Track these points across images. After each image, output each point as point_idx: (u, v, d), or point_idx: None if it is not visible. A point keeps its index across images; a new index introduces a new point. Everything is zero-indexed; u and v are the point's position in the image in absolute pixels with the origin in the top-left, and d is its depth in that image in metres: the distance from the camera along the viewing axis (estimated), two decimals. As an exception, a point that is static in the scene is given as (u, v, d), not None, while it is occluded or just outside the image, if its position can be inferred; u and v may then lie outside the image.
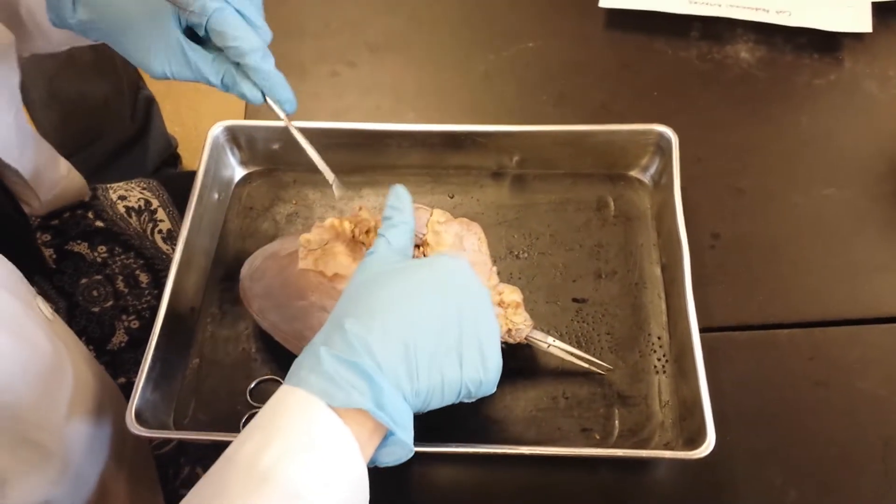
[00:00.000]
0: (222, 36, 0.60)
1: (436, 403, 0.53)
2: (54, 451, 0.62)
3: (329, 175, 0.68)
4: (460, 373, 0.52)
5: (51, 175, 0.85)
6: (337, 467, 0.47)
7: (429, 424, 0.69)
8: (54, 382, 0.62)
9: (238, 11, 0.60)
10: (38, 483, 0.60)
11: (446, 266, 0.55)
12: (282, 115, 0.66)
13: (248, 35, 0.61)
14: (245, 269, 0.73)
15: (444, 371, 0.52)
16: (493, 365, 0.54)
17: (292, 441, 0.46)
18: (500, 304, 0.68)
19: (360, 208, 0.69)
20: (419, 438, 0.68)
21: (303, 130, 0.68)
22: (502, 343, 0.67)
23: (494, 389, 0.55)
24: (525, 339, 0.68)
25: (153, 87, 1.42)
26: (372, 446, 0.51)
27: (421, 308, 0.52)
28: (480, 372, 0.53)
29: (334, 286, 0.66)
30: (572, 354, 0.69)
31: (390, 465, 0.53)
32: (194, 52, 0.62)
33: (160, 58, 0.63)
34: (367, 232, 0.68)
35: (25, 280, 0.64)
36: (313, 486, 0.45)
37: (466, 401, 0.55)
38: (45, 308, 0.65)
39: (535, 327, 0.69)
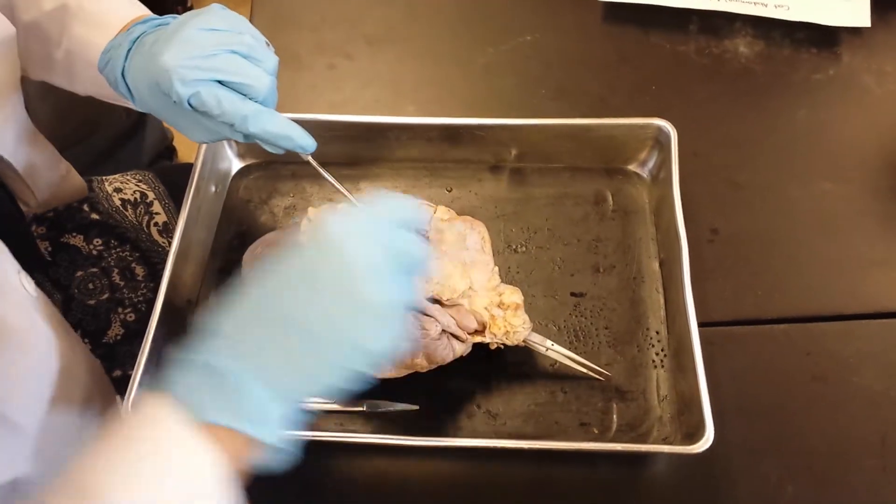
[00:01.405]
0: (207, 112, 0.61)
1: (318, 390, 0.47)
2: (23, 428, 0.61)
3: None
4: (338, 355, 0.47)
5: (49, 175, 0.84)
6: (196, 494, 0.44)
7: (426, 419, 0.69)
8: (26, 357, 0.62)
9: (222, 82, 0.60)
10: (2, 456, 0.60)
11: (322, 238, 0.48)
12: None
13: (232, 106, 0.60)
14: (247, 256, 0.73)
15: (320, 355, 0.46)
16: (380, 338, 0.47)
17: (144, 466, 0.43)
18: (500, 305, 0.68)
19: None
20: (416, 433, 0.68)
21: (300, 122, 0.68)
22: (500, 343, 0.67)
23: (390, 364, 0.51)
24: (523, 342, 0.68)
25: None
26: (248, 452, 0.46)
27: (290, 292, 0.46)
28: (367, 346, 0.47)
29: None
30: (570, 359, 0.69)
31: (276, 469, 0.48)
32: (210, 121, 0.62)
33: (191, 133, 0.65)
34: None
35: (10, 254, 0.64)
36: None
37: (369, 372, 0.48)
38: (28, 284, 0.65)
39: (533, 329, 0.68)
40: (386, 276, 0.47)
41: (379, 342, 0.47)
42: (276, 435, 0.46)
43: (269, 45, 0.63)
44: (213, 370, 0.45)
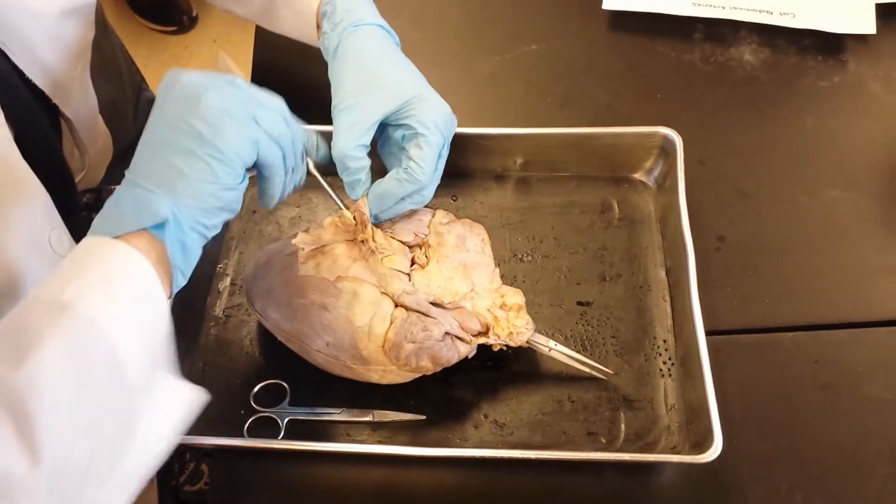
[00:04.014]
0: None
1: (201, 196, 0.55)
2: None
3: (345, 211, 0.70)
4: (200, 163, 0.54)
5: (94, 125, 0.89)
6: (134, 296, 0.51)
7: (433, 429, 0.69)
8: None
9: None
10: None
11: (167, 79, 0.58)
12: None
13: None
14: (250, 268, 0.73)
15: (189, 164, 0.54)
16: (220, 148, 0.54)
17: (89, 278, 0.50)
18: (502, 306, 0.68)
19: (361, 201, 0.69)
20: (423, 443, 0.68)
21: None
22: (504, 345, 0.67)
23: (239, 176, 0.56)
24: (526, 343, 0.68)
25: (156, 88, 1.42)
26: (165, 268, 0.54)
27: (155, 120, 0.56)
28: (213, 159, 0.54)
29: (335, 284, 0.66)
30: (574, 359, 0.69)
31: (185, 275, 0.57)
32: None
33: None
34: (365, 226, 0.68)
35: (47, 209, 0.66)
36: (111, 313, 0.49)
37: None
38: (57, 244, 0.66)
39: (536, 331, 0.68)
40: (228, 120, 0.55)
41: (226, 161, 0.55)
42: (177, 236, 0.54)
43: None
44: (121, 195, 0.54)
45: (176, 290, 0.56)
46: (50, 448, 0.45)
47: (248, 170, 0.58)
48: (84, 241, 0.52)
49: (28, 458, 0.44)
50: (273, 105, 0.59)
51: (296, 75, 0.89)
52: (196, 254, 0.56)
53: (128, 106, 1.34)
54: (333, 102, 0.69)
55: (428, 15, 0.99)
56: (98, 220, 0.53)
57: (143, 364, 0.50)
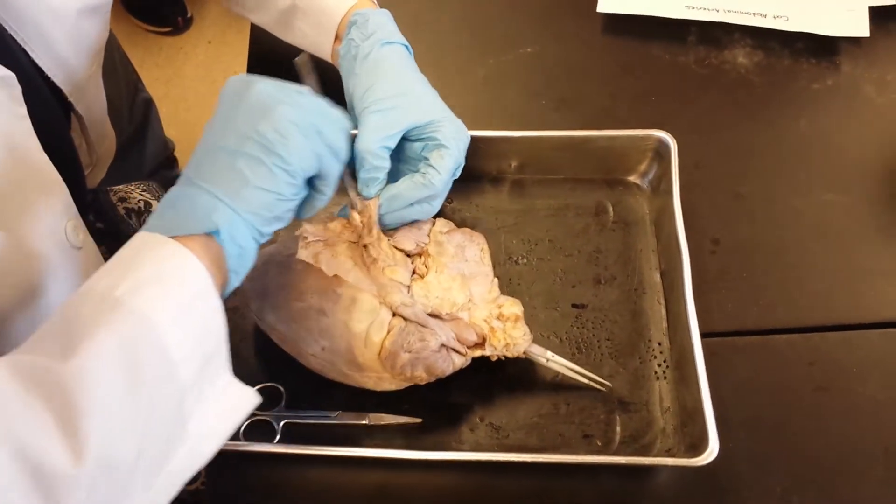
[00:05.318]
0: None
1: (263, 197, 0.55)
2: None
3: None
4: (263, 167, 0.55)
5: (103, 124, 0.90)
6: (188, 295, 0.50)
7: (429, 432, 0.69)
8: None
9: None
10: None
11: (236, 86, 0.57)
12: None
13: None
14: (247, 283, 0.73)
15: (251, 168, 0.54)
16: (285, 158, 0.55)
17: (143, 275, 0.49)
18: (500, 317, 0.68)
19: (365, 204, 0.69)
20: (418, 447, 0.68)
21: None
22: (501, 356, 0.67)
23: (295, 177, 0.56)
24: (524, 353, 0.68)
25: (151, 89, 1.41)
26: (220, 270, 0.54)
27: (222, 124, 0.56)
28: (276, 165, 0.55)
29: (334, 289, 0.65)
30: (571, 370, 0.69)
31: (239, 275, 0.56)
32: None
33: None
34: (371, 230, 0.68)
35: (64, 200, 0.65)
36: (164, 311, 0.48)
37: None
38: (74, 236, 0.66)
39: (533, 341, 0.68)
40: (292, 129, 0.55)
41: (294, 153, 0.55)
42: (233, 240, 0.54)
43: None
44: (179, 196, 0.54)
45: (230, 292, 0.56)
46: (96, 444, 0.43)
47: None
48: (137, 237, 0.52)
49: (72, 454, 0.43)
50: (337, 118, 0.59)
51: (291, 78, 0.89)
52: (252, 258, 0.56)
53: (123, 105, 1.34)
54: (362, 104, 0.70)
55: (422, 17, 0.99)
56: (153, 219, 0.53)
57: (194, 363, 0.49)
